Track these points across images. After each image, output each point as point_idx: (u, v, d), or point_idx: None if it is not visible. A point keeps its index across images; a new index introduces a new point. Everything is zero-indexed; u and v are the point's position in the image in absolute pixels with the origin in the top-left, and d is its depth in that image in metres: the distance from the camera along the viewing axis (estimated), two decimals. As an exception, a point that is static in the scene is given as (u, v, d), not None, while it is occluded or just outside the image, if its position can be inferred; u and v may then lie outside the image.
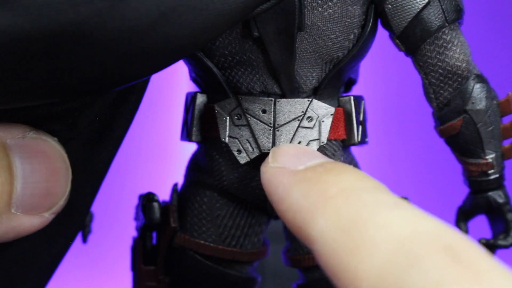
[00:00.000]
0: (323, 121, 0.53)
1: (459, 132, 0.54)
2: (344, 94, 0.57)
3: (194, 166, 0.58)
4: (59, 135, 0.40)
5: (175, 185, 0.59)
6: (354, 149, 0.58)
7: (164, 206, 0.57)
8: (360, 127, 0.55)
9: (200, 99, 0.55)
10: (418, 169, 1.29)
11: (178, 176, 0.61)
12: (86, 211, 0.49)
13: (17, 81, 0.33)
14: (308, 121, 0.52)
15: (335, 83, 0.54)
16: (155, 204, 0.57)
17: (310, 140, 0.53)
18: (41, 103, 0.38)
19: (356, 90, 0.60)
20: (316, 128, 0.53)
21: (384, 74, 1.18)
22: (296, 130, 0.52)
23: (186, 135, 0.56)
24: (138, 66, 0.35)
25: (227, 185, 0.55)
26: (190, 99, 0.56)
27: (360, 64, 0.58)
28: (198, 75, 0.55)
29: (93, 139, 0.43)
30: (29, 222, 0.38)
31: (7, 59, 0.31)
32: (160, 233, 0.58)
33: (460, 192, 0.60)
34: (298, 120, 0.52)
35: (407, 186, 1.21)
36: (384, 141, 1.18)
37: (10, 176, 0.36)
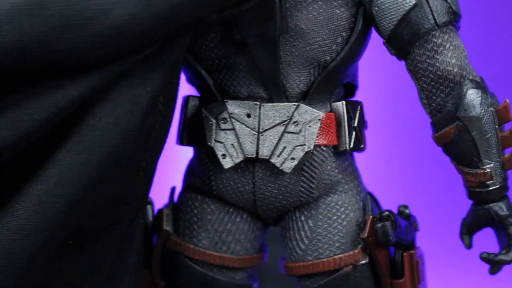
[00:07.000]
0: (309, 126, 0.51)
1: (453, 140, 0.51)
2: (348, 99, 0.55)
3: (190, 170, 0.57)
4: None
5: (173, 189, 0.59)
6: (355, 155, 0.57)
7: (159, 209, 0.57)
8: (354, 133, 0.53)
9: (192, 102, 0.55)
10: (421, 176, 1.25)
11: (179, 180, 0.61)
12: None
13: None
14: (294, 126, 0.51)
15: (326, 87, 0.52)
16: (148, 207, 0.57)
17: (296, 146, 0.51)
18: None
19: (359, 96, 0.59)
20: (302, 133, 0.51)
21: (387, 79, 1.16)
22: (282, 135, 0.51)
23: (179, 139, 0.56)
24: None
25: (216, 189, 0.54)
26: (183, 103, 0.56)
27: (358, 69, 0.57)
28: (190, 79, 0.55)
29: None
30: None
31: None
32: (155, 236, 0.58)
33: (463, 199, 0.57)
34: (284, 125, 0.51)
35: (408, 192, 1.18)
36: (386, 146, 1.15)
37: None
